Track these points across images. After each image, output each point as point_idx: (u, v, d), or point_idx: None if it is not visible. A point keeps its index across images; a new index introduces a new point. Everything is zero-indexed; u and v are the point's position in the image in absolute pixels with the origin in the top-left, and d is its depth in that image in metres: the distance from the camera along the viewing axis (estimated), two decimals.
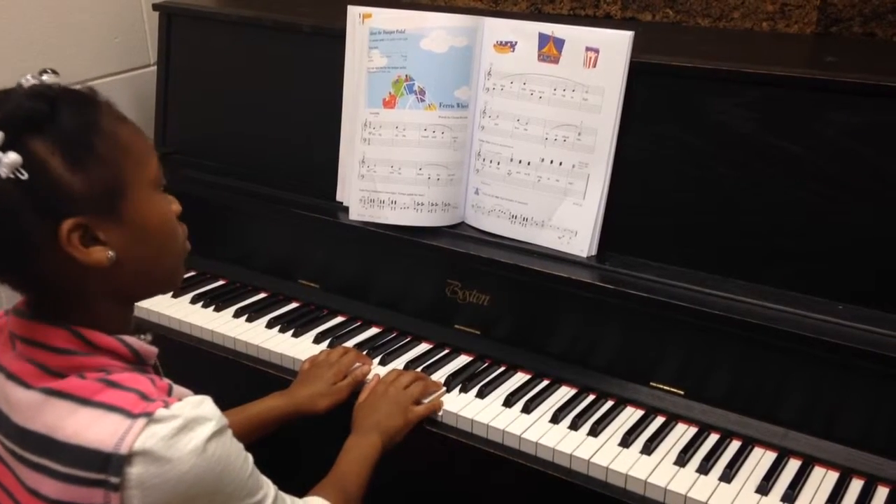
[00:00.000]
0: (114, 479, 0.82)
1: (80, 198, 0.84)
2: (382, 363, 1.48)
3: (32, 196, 0.81)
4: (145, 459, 0.82)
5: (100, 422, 0.83)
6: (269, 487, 0.95)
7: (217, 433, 0.86)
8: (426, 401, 1.36)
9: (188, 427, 0.84)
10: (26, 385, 0.88)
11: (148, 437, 0.82)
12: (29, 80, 0.86)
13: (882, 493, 1.19)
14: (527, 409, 1.35)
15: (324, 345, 1.53)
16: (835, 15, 1.58)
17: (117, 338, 0.90)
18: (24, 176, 0.80)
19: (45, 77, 0.87)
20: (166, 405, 0.85)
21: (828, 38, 1.59)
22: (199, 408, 0.87)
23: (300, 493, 1.07)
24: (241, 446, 0.91)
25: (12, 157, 0.80)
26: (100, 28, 1.94)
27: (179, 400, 0.87)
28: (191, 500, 0.85)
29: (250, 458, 0.93)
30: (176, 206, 0.96)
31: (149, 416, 0.83)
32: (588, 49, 1.40)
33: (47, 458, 0.85)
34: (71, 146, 0.84)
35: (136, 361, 0.92)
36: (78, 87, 0.88)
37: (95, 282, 0.88)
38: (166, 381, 0.92)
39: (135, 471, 0.82)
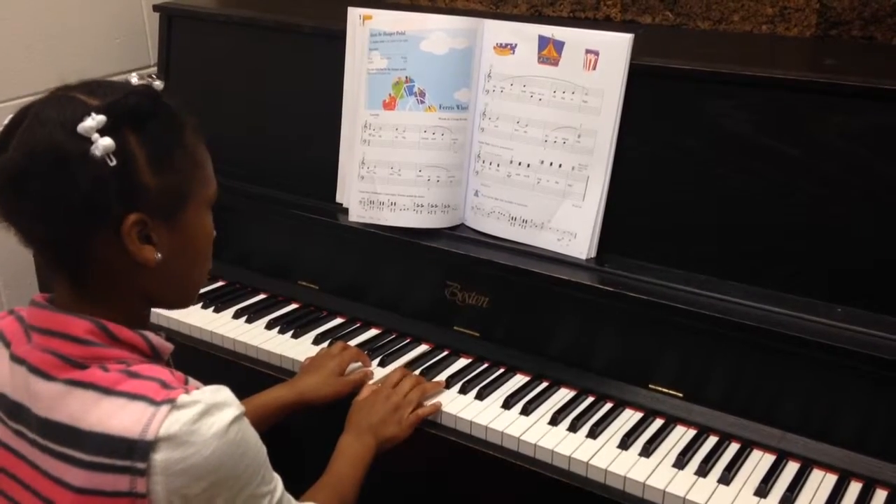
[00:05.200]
0: (140, 465, 0.84)
1: (151, 196, 0.89)
2: (382, 364, 1.48)
3: (112, 183, 0.85)
4: (170, 444, 0.84)
5: (124, 410, 0.86)
6: (278, 480, 0.97)
7: (237, 418, 0.89)
8: (425, 404, 1.36)
9: (209, 412, 0.86)
10: (49, 377, 0.89)
11: (172, 422, 0.84)
12: (136, 78, 0.92)
13: (881, 495, 1.19)
14: (526, 411, 1.35)
15: (323, 346, 1.53)
16: (834, 18, 1.58)
17: (139, 333, 0.93)
18: (113, 162, 0.85)
19: (153, 81, 0.93)
20: (187, 392, 0.87)
21: (827, 42, 1.59)
22: (219, 394, 0.89)
23: (297, 492, 1.07)
24: (256, 434, 0.93)
25: (108, 141, 0.84)
26: (100, 29, 1.94)
27: (198, 388, 0.90)
28: (212, 486, 0.86)
29: (264, 447, 0.94)
30: (213, 231, 1.00)
31: (172, 402, 0.85)
32: (588, 51, 1.40)
33: (71, 448, 0.87)
34: (157, 149, 0.89)
35: (153, 356, 0.94)
36: (173, 102, 0.94)
37: (132, 278, 0.92)
38: (181, 373, 0.94)
39: (159, 456, 0.84)
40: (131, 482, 0.84)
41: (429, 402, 1.37)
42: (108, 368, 0.89)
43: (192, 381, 0.94)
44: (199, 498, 0.86)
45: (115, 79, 0.95)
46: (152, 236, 0.90)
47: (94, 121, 0.84)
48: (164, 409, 0.85)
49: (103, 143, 0.84)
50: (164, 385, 0.88)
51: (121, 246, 0.88)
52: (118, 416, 0.85)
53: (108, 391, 0.87)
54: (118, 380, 0.88)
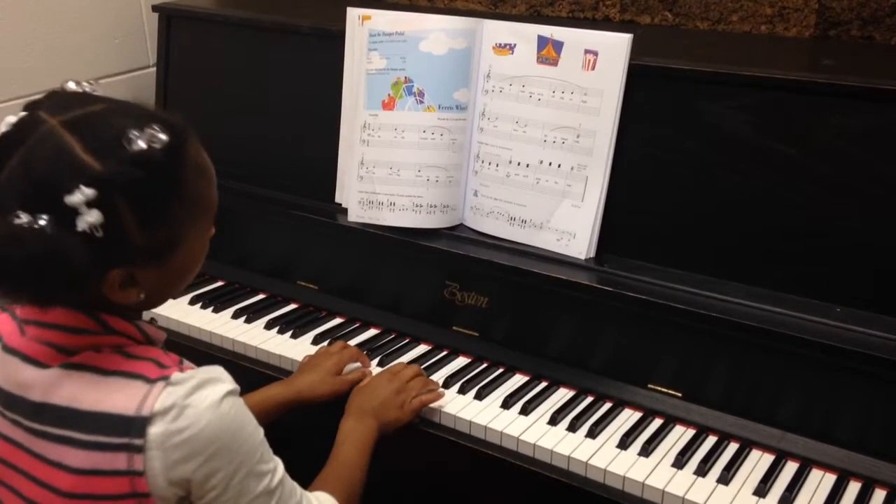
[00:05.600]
0: (137, 441, 0.85)
1: (137, 251, 0.87)
2: (381, 364, 1.47)
3: (98, 251, 0.82)
4: (164, 419, 0.85)
5: (120, 389, 0.87)
6: (278, 462, 0.97)
7: (231, 393, 0.90)
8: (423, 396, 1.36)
9: (203, 386, 0.88)
10: (43, 365, 0.90)
11: (167, 397, 0.86)
12: (138, 137, 0.84)
13: (879, 495, 1.19)
14: (525, 411, 1.35)
15: (322, 346, 1.53)
16: (833, 18, 1.58)
17: (133, 322, 0.94)
18: (99, 234, 0.82)
19: (157, 135, 0.85)
20: (181, 370, 0.89)
21: (826, 42, 1.59)
22: (213, 371, 0.91)
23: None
24: (252, 415, 0.94)
25: (94, 217, 0.81)
26: (99, 29, 1.94)
27: (192, 368, 0.91)
28: (209, 460, 0.87)
29: (261, 429, 0.95)
30: (212, 230, 0.98)
31: (166, 379, 0.87)
32: (587, 52, 1.40)
33: (70, 429, 0.87)
34: (150, 209, 0.86)
35: (147, 344, 0.95)
36: (176, 124, 0.88)
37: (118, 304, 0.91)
38: (175, 354, 0.95)
39: (154, 430, 0.85)
40: (129, 459, 0.85)
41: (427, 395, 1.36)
42: (101, 350, 0.90)
43: (185, 362, 0.95)
44: (197, 474, 0.87)
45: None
46: (138, 279, 0.89)
47: (83, 195, 0.80)
48: (160, 385, 0.86)
49: (89, 220, 0.81)
50: (159, 364, 0.90)
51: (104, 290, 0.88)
52: (115, 395, 0.87)
53: (104, 372, 0.89)
54: (113, 361, 0.89)
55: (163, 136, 0.85)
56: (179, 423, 0.85)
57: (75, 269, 0.82)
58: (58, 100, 0.89)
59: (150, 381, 0.87)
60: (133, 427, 0.85)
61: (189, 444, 0.86)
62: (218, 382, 0.89)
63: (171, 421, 0.85)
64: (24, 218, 0.80)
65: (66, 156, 0.82)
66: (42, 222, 0.80)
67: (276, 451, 0.98)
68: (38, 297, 0.87)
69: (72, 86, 0.92)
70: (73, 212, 0.81)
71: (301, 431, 1.39)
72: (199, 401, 0.87)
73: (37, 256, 0.80)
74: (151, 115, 0.88)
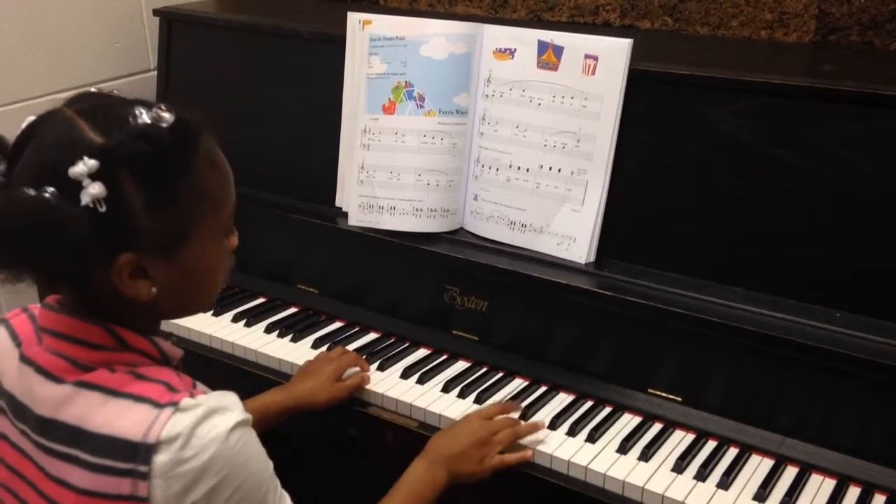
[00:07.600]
0: (142, 468, 0.83)
1: (145, 237, 0.86)
2: (380, 368, 1.48)
3: (103, 228, 0.82)
4: (170, 448, 0.84)
5: (129, 412, 0.86)
6: (286, 498, 0.95)
7: (240, 424, 0.88)
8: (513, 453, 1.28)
9: (211, 416, 0.86)
10: (58, 380, 0.89)
11: (174, 425, 0.84)
12: (144, 113, 0.85)
13: (879, 500, 1.19)
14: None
15: (322, 350, 1.53)
16: (833, 24, 1.58)
17: (149, 339, 0.92)
18: (103, 209, 0.81)
19: (162, 113, 0.86)
20: (192, 395, 0.87)
21: (825, 47, 1.59)
22: (223, 399, 0.89)
23: None
24: (262, 448, 0.91)
25: (97, 189, 0.80)
26: (100, 33, 1.94)
27: (204, 392, 0.90)
28: (211, 492, 0.86)
29: (271, 462, 0.93)
30: (234, 240, 0.98)
31: (175, 405, 0.85)
32: (587, 56, 1.40)
33: (76, 449, 0.86)
34: (157, 190, 0.85)
35: (163, 362, 0.94)
36: (190, 116, 0.88)
37: (133, 302, 0.89)
38: (188, 377, 0.94)
39: (160, 459, 0.84)
40: (133, 485, 0.84)
41: (520, 450, 1.28)
42: (114, 370, 0.89)
43: (199, 385, 0.93)
44: None
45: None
46: (148, 271, 0.88)
47: (85, 166, 0.80)
48: (167, 411, 0.85)
49: (92, 192, 0.80)
50: (170, 388, 0.88)
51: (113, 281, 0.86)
52: (122, 419, 0.85)
53: (114, 393, 0.87)
54: (125, 381, 0.88)
55: (167, 115, 0.85)
56: (185, 453, 0.84)
57: (77, 242, 0.81)
58: (77, 97, 0.90)
59: (159, 405, 0.86)
60: (139, 453, 0.84)
61: (192, 474, 0.84)
62: (227, 412, 0.87)
63: (177, 450, 0.84)
64: (30, 192, 0.80)
65: (73, 135, 0.83)
66: (46, 194, 0.80)
67: (286, 469, 0.97)
68: (40, 269, 0.85)
69: (92, 90, 0.93)
70: (77, 185, 0.80)
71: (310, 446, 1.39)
72: (206, 431, 0.85)
73: (38, 221, 0.79)
74: (162, 102, 0.89)
